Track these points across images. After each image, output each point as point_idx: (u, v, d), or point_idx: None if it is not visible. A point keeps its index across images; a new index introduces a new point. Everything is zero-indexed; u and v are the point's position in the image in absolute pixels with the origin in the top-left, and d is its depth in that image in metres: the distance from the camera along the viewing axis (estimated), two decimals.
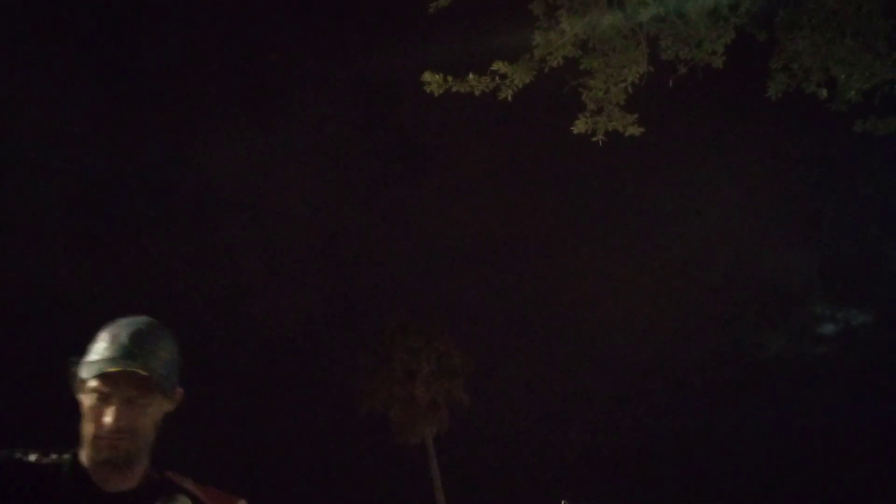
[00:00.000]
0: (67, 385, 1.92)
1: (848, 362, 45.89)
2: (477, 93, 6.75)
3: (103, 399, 1.85)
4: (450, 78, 6.70)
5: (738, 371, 45.86)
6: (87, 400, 1.87)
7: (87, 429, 1.87)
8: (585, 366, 44.81)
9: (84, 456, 1.88)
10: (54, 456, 1.90)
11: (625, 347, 44.92)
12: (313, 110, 51.99)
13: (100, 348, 1.89)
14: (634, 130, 6.93)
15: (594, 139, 6.92)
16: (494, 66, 6.69)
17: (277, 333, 45.21)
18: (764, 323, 49.15)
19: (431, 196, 53.25)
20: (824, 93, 6.85)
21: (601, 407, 42.56)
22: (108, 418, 1.83)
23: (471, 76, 6.71)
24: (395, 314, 33.33)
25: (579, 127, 6.90)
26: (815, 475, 37.53)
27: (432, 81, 6.69)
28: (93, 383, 1.85)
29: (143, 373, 1.84)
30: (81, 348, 1.95)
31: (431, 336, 31.34)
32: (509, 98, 6.76)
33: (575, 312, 47.48)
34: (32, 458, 1.88)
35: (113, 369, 1.84)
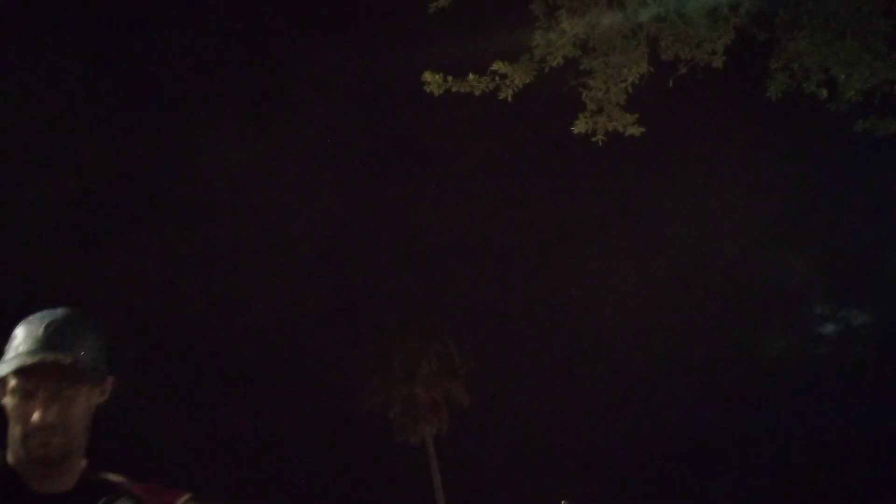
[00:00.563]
0: None
1: (848, 362, 45.90)
2: (477, 93, 6.75)
3: (27, 396, 1.72)
4: (450, 78, 6.70)
5: (738, 371, 45.88)
6: (10, 401, 1.75)
7: (15, 431, 1.74)
8: (585, 366, 44.84)
9: (14, 459, 1.76)
10: None
11: (625, 347, 44.96)
12: (313, 110, 52.01)
13: (16, 344, 1.77)
14: (634, 130, 6.93)
15: (594, 139, 6.92)
16: (494, 66, 6.68)
17: (277, 333, 45.24)
18: (764, 323, 49.17)
19: (431, 196, 53.28)
20: (824, 93, 6.85)
21: (601, 407, 42.58)
22: (35, 415, 1.71)
23: (471, 76, 6.70)
24: (395, 314, 33.43)
25: (579, 127, 6.90)
26: (815, 475, 37.54)
27: (432, 81, 6.68)
28: (13, 382, 1.74)
29: (66, 360, 1.73)
30: None
31: (431, 336, 31.36)
32: (509, 98, 6.76)
33: (575, 312, 47.50)
34: None
35: (32, 361, 1.72)
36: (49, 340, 1.75)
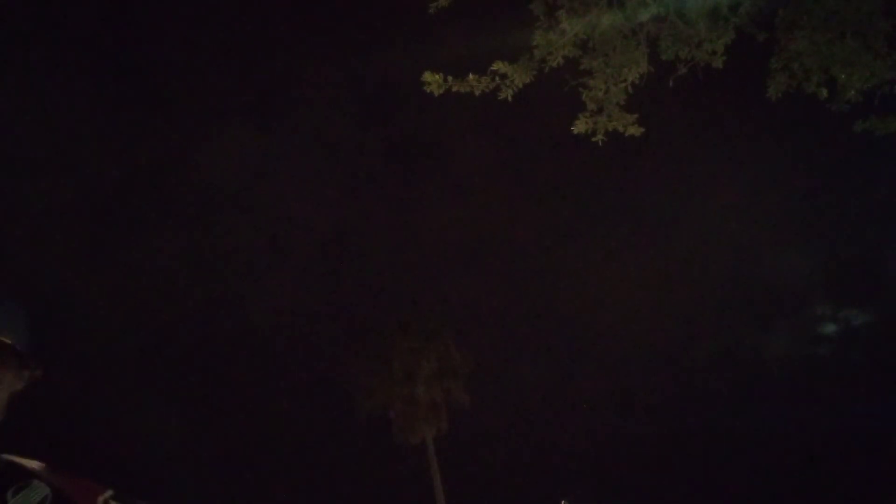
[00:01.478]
0: None
1: (848, 362, 45.90)
2: (477, 93, 6.76)
3: None
4: (450, 78, 6.71)
5: (738, 371, 45.88)
6: None
7: None
8: (585, 366, 44.83)
9: None
10: None
11: (625, 348, 44.95)
12: (313, 110, 52.01)
13: None
14: (634, 130, 6.93)
15: (594, 139, 6.92)
16: (494, 66, 6.69)
17: (277, 333, 45.23)
18: (764, 323, 49.18)
19: (431, 196, 53.27)
20: (824, 93, 6.85)
21: (601, 407, 42.58)
22: None
23: (471, 76, 6.71)
24: (395, 314, 33.38)
25: (579, 127, 6.91)
26: (815, 475, 37.53)
27: (432, 81, 6.69)
28: None
29: (3, 338, 1.68)
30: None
31: (431, 336, 31.35)
32: (509, 98, 6.76)
33: (574, 313, 47.50)
34: None
35: None
36: None
